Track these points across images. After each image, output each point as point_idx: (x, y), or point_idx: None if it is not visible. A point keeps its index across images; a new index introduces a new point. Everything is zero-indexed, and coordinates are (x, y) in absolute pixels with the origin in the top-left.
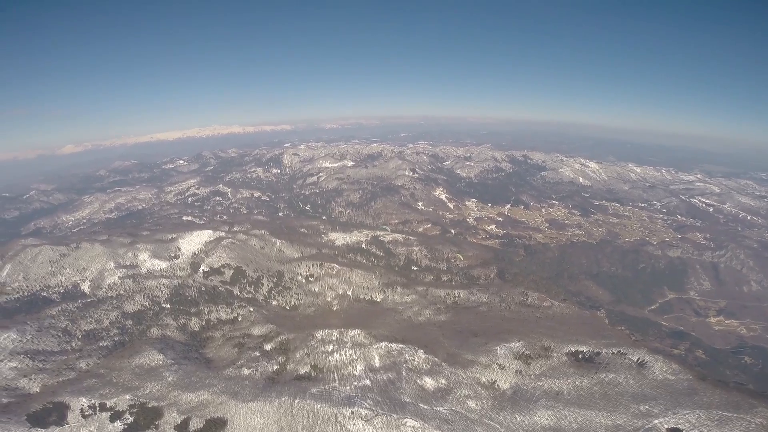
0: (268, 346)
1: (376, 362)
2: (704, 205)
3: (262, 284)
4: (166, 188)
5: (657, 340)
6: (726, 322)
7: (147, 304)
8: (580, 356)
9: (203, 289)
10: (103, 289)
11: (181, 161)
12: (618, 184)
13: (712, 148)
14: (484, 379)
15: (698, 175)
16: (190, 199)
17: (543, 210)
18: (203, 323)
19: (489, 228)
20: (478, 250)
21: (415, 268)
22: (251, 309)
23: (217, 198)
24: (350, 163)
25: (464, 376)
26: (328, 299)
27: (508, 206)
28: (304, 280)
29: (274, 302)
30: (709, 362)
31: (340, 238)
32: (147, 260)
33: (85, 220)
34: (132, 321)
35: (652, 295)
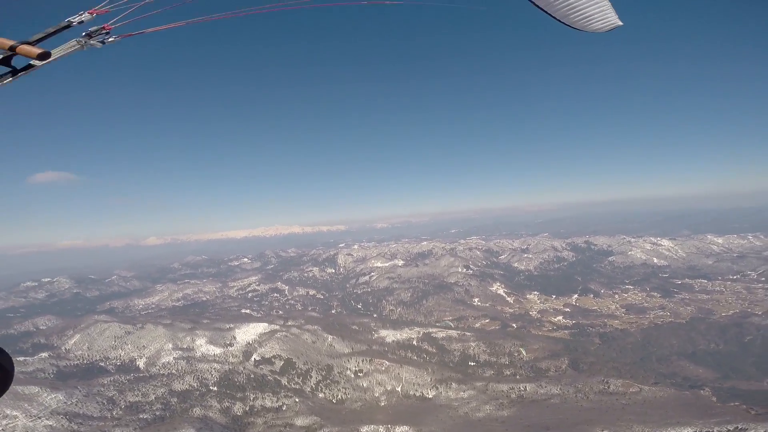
0: None
1: None
2: None
3: (311, 376)
4: (230, 283)
5: None
6: None
7: (195, 384)
8: None
9: (252, 376)
10: (157, 367)
11: (246, 259)
12: (700, 260)
13: None
14: None
15: None
16: (250, 294)
17: (616, 296)
18: (247, 408)
19: (555, 319)
20: (545, 342)
21: (472, 364)
22: (297, 399)
23: (275, 294)
24: (401, 263)
25: None
26: (376, 395)
27: (576, 296)
28: (352, 375)
29: (321, 395)
30: None
31: (390, 335)
32: (203, 345)
33: (154, 306)
34: (177, 399)
35: None
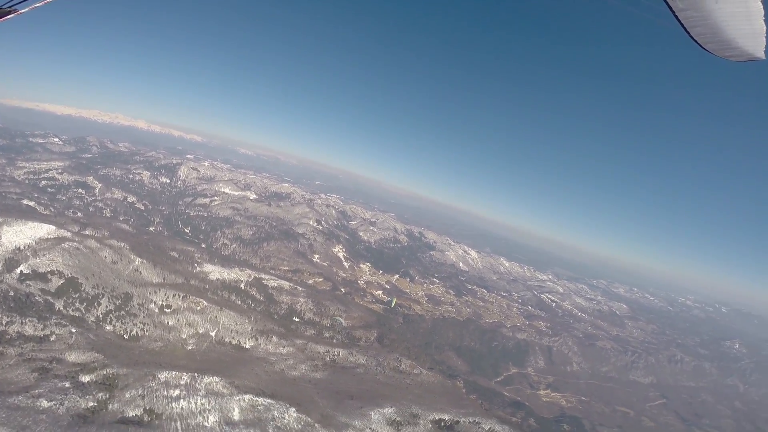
0: (85, 378)
1: (236, 415)
2: (549, 300)
3: (99, 304)
4: (20, 162)
5: (500, 408)
6: (552, 394)
7: None
8: (442, 424)
9: (11, 293)
10: None
11: (57, 139)
12: (489, 274)
13: (564, 254)
14: None
15: (550, 276)
16: (43, 183)
17: (425, 285)
18: None
19: (376, 293)
20: (363, 312)
21: (296, 320)
22: (73, 330)
23: (80, 190)
24: (253, 196)
25: None
26: (183, 336)
27: (397, 276)
28: (157, 310)
29: (109, 327)
30: (539, 430)
31: (216, 272)
32: None
33: None
34: None
35: (500, 369)
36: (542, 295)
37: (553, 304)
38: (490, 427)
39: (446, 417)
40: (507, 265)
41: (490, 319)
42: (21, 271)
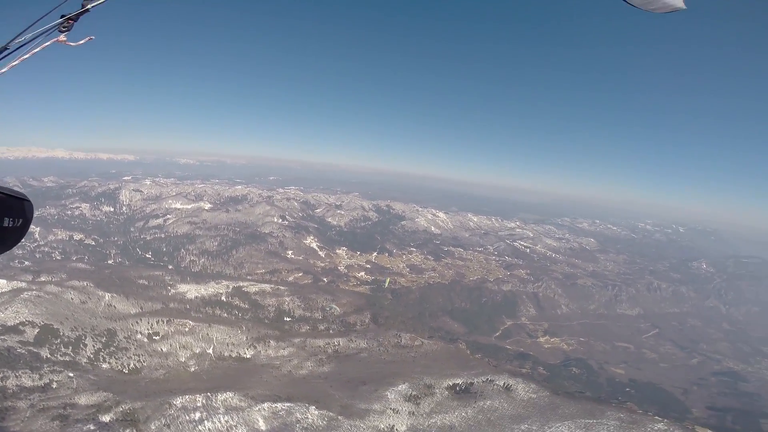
0: (105, 417)
1: (261, 426)
2: (523, 247)
3: (85, 345)
4: None
5: (507, 362)
6: (551, 340)
7: None
8: (457, 389)
9: None
10: None
11: None
12: (461, 232)
13: (526, 199)
14: (382, 426)
15: (517, 223)
16: None
17: (404, 256)
18: None
19: (359, 275)
20: (351, 297)
21: (288, 319)
22: (71, 374)
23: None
24: (208, 206)
25: (364, 427)
26: (182, 359)
27: (375, 254)
28: (146, 339)
29: (105, 365)
30: (550, 376)
31: (192, 291)
32: None
33: None
34: None
35: (495, 323)
36: (515, 243)
37: (527, 250)
38: (504, 383)
39: (459, 381)
40: (475, 219)
41: (474, 277)
42: None
